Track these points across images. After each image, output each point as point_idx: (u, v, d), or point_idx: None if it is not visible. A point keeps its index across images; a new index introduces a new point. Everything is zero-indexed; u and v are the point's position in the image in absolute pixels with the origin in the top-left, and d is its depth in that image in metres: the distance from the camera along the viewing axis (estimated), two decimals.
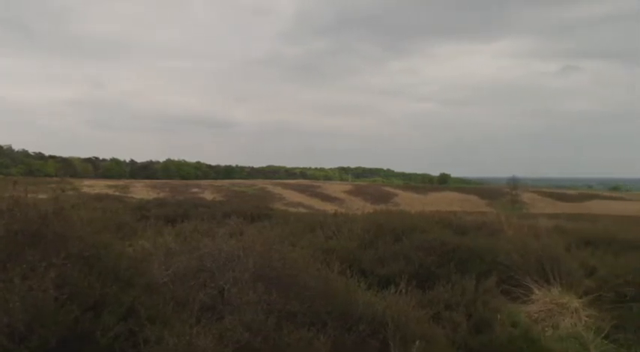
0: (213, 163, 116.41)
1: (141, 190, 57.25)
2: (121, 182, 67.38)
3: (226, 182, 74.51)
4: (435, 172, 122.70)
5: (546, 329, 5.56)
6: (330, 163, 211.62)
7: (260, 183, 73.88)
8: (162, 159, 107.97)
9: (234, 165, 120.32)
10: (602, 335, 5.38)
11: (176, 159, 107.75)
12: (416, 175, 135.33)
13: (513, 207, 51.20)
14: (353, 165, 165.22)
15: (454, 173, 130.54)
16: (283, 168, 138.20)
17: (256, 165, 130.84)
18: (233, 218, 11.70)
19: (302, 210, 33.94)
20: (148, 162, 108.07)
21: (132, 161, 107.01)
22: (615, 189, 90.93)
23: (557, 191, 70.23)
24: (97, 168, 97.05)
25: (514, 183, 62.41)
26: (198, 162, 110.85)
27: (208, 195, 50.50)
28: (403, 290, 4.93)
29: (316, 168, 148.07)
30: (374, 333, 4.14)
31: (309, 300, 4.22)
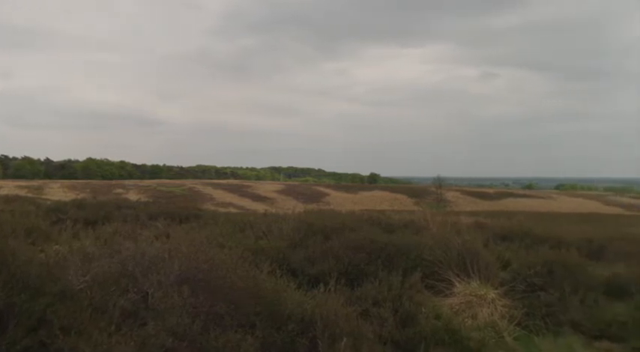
0: (138, 162, 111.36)
1: (57, 191, 53.49)
2: (35, 182, 62.38)
3: (153, 182, 71.41)
4: (365, 172, 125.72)
5: (466, 319, 5.88)
6: (261, 163, 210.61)
7: (189, 183, 71.56)
8: (82, 158, 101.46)
9: (161, 164, 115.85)
10: (515, 322, 5.81)
11: (98, 158, 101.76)
12: (347, 175, 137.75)
13: (438, 205, 53.60)
14: (285, 165, 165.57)
15: (383, 173, 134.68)
16: (213, 167, 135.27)
17: (185, 165, 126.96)
18: (160, 219, 11.32)
19: (232, 210, 33.40)
20: (66, 161, 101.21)
21: (47, 160, 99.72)
22: (529, 187, 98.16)
23: (477, 190, 74.29)
24: (6, 167, 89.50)
25: (439, 183, 65.34)
26: (122, 162, 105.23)
27: (133, 196, 48.14)
28: (332, 289, 5.00)
29: (247, 168, 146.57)
30: (303, 332, 4.15)
31: (236, 302, 4.15)
